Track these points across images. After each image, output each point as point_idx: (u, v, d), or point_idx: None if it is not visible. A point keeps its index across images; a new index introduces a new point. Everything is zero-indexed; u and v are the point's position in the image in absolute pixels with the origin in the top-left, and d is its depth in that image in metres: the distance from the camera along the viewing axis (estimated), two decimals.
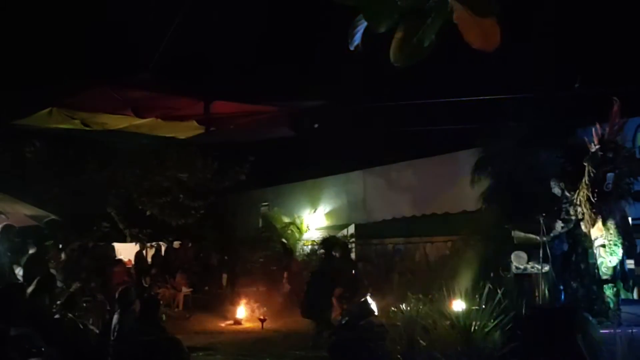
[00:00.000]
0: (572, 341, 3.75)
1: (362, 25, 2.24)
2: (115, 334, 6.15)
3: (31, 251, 9.39)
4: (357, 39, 2.25)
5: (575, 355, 3.63)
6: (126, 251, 15.32)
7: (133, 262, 15.46)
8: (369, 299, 8.15)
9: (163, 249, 16.54)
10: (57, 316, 6.98)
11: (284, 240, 16.77)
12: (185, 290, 14.39)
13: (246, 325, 11.92)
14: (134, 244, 16.35)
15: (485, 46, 2.19)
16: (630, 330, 4.02)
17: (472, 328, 4.66)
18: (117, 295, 6.49)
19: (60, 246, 11.35)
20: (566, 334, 4.06)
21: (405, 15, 2.16)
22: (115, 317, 6.21)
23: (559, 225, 8.34)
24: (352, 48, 2.29)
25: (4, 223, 8.98)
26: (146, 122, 7.82)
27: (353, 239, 16.72)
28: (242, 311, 12.28)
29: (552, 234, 8.33)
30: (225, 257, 16.48)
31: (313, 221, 18.68)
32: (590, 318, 5.75)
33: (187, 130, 8.51)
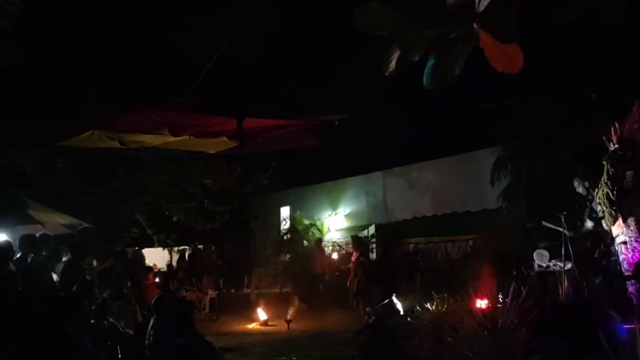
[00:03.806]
0: (594, 337, 3.91)
1: (396, 53, 2.47)
2: (151, 338, 6.42)
3: (65, 258, 9.75)
4: (392, 65, 2.49)
5: (598, 351, 3.80)
6: (153, 256, 15.73)
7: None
8: (395, 299, 8.34)
9: (187, 253, 16.95)
10: (92, 320, 7.30)
11: (314, 240, 16.95)
12: (211, 292, 14.71)
13: (273, 326, 12.15)
14: (161, 249, 16.76)
15: (510, 69, 2.41)
16: None
17: (499, 325, 4.86)
18: (152, 303, 6.78)
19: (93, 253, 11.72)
20: (589, 330, 4.22)
21: (435, 43, 2.39)
22: (151, 322, 6.49)
23: (589, 223, 8.45)
24: (387, 74, 2.52)
25: (41, 232, 9.33)
26: (180, 139, 8.18)
27: (374, 240, 16.90)
28: (267, 312, 12.51)
29: (581, 231, 8.44)
30: (249, 260, 16.78)
31: (334, 222, 18.91)
32: (613, 314, 5.86)
33: (217, 145, 8.85)
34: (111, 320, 7.13)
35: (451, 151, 15.77)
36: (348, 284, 13.54)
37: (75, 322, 5.22)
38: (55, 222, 10.47)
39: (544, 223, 8.60)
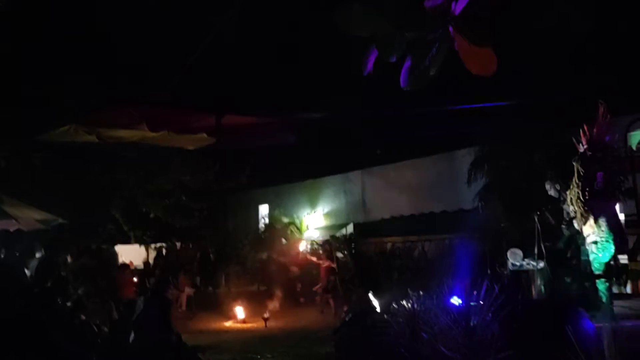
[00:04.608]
0: (564, 334, 4.05)
1: (374, 54, 2.53)
2: (136, 332, 6.32)
3: (38, 254, 9.62)
4: (370, 66, 2.54)
5: (567, 347, 3.93)
6: (129, 253, 15.58)
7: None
8: (371, 297, 8.43)
9: (164, 250, 16.82)
10: (66, 317, 7.22)
11: (291, 237, 17.01)
12: (188, 290, 14.63)
13: (250, 324, 12.14)
14: (137, 245, 16.62)
15: (484, 72, 2.48)
16: (615, 324, 4.33)
17: (472, 322, 4.99)
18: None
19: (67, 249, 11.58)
20: (558, 326, 4.35)
21: (412, 45, 2.45)
22: (139, 316, 6.39)
23: (565, 230, 8.65)
24: (365, 74, 2.58)
25: (15, 227, 9.20)
26: (158, 135, 8.17)
27: (352, 238, 17.01)
28: (245, 310, 12.49)
29: (563, 240, 8.61)
30: (226, 257, 16.75)
31: (312, 221, 18.97)
32: (583, 312, 6.02)
33: (196, 141, 8.86)
34: (83, 317, 7.06)
35: (429, 151, 15.97)
36: (318, 288, 13.62)
37: (49, 319, 5.17)
38: (30, 217, 10.31)
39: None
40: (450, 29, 2.40)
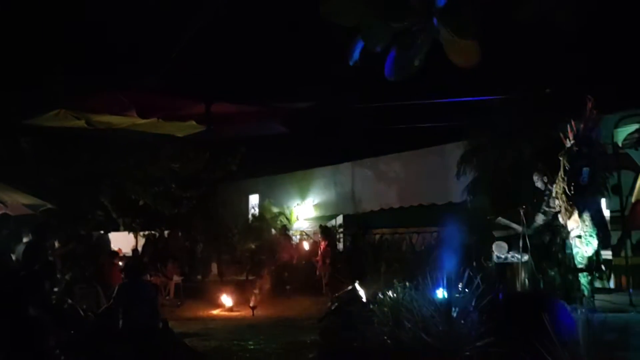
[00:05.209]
0: (541, 322, 4.17)
1: (360, 44, 2.56)
2: (126, 318, 6.30)
3: (25, 239, 9.59)
4: (356, 55, 2.58)
5: (543, 333, 4.04)
6: (118, 240, 15.55)
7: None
8: (357, 286, 8.53)
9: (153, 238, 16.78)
10: (53, 302, 7.24)
11: (279, 227, 17.05)
12: (176, 278, 14.65)
13: (237, 312, 12.20)
14: (126, 232, 16.59)
15: (467, 64, 2.53)
16: (591, 315, 4.46)
17: (453, 311, 5.10)
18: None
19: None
20: (538, 316, 4.46)
21: (397, 36, 2.49)
22: (125, 302, 6.39)
23: (540, 218, 8.75)
24: (351, 64, 2.61)
25: (1, 212, 9.16)
26: (148, 121, 8.15)
27: (341, 229, 17.09)
28: (233, 299, 12.55)
29: (533, 227, 8.72)
30: (215, 246, 16.78)
31: (302, 211, 19.02)
32: (564, 304, 6.14)
33: (186, 129, 8.85)
34: (70, 301, 7.07)
35: (419, 144, 16.05)
36: (317, 273, 13.73)
37: (36, 303, 5.18)
38: (17, 202, 10.25)
39: (500, 219, 8.85)
40: (435, 20, 2.44)
